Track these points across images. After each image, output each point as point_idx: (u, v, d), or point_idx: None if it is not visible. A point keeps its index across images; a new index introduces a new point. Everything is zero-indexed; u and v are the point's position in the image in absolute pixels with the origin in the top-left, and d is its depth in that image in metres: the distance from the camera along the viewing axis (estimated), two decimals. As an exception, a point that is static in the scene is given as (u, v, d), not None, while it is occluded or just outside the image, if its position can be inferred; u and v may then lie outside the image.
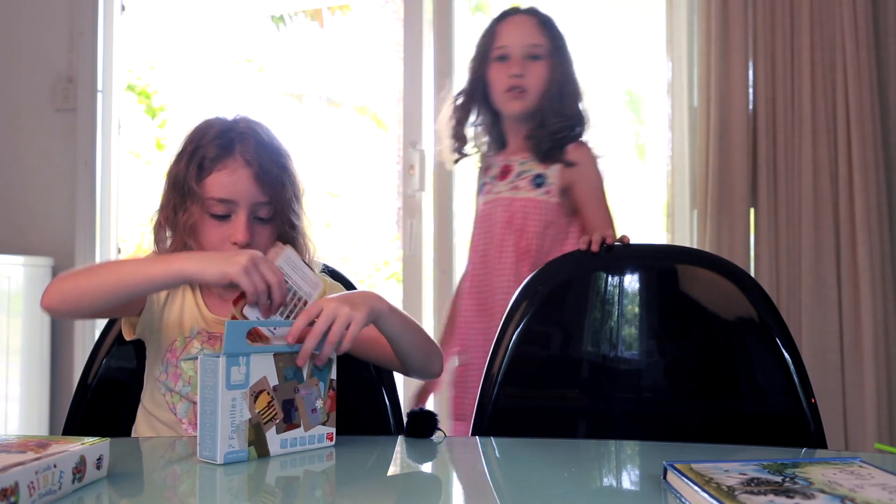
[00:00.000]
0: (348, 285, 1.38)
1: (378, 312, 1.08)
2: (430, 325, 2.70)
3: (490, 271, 1.74)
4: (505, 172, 1.77)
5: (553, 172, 1.71)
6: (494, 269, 1.73)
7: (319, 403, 1.03)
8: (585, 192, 1.72)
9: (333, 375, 1.05)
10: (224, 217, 1.17)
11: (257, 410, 0.97)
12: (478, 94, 1.79)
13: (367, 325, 1.06)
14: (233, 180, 1.16)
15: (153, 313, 1.22)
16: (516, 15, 1.80)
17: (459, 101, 1.82)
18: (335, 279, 1.35)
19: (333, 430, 1.05)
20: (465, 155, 1.86)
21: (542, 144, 1.72)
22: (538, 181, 1.72)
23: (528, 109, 1.74)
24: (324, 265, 1.32)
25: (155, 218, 1.24)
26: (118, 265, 1.11)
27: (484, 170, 1.84)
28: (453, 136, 1.84)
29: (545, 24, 1.77)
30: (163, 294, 1.22)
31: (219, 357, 0.94)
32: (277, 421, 0.99)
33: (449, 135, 1.85)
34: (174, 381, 1.20)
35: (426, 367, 1.23)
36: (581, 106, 1.77)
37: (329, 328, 1.00)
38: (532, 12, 1.80)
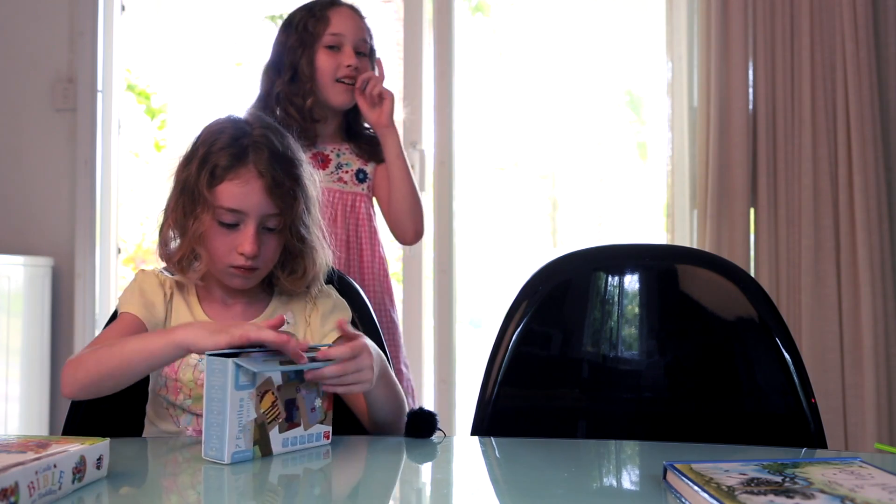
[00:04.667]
0: (354, 292, 1.38)
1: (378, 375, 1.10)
2: (429, 324, 2.71)
3: None
4: (322, 161, 1.72)
5: (371, 169, 1.77)
6: None
7: (318, 402, 1.04)
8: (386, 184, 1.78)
9: None
10: (232, 225, 1.16)
11: (262, 410, 0.98)
12: (314, 80, 1.72)
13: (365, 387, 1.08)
14: (244, 191, 1.15)
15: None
16: (345, 7, 1.76)
17: (306, 91, 1.72)
18: (343, 286, 1.34)
19: (330, 428, 1.06)
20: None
21: (367, 143, 1.77)
22: (361, 176, 1.76)
23: (353, 103, 1.73)
24: (332, 269, 1.32)
25: (161, 219, 1.23)
26: (122, 347, 1.09)
27: None
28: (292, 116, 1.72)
29: (367, 24, 1.78)
30: (162, 313, 1.21)
31: (228, 358, 0.95)
32: (280, 420, 1.00)
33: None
34: (175, 394, 1.20)
35: (391, 431, 1.22)
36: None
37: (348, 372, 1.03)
38: (356, 8, 1.78)
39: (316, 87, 1.71)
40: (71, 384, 1.09)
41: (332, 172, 1.73)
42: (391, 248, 1.98)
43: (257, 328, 1.00)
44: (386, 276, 1.79)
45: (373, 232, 1.78)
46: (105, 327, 1.31)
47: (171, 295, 1.23)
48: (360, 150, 1.77)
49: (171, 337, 1.04)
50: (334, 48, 1.71)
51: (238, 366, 0.95)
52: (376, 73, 1.74)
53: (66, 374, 1.10)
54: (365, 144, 1.77)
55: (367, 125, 1.78)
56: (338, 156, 1.75)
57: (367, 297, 1.71)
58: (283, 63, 1.73)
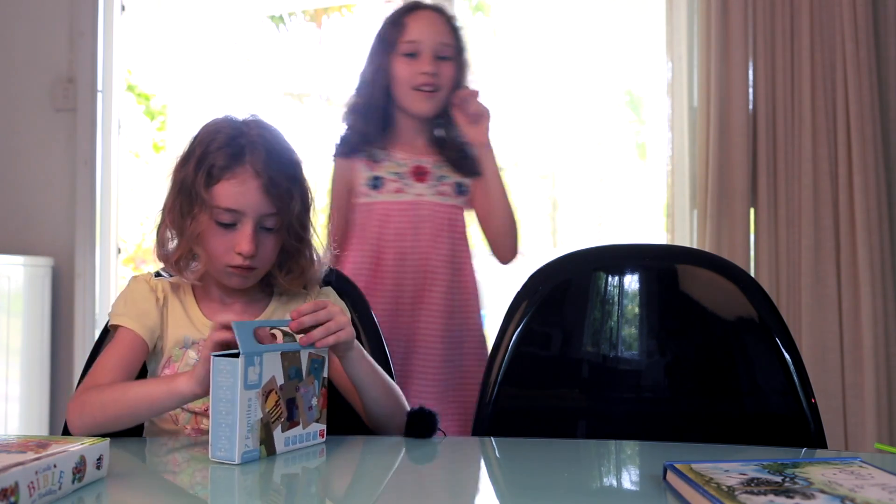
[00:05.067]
0: (353, 291, 1.38)
1: (355, 346, 1.11)
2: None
3: (421, 276, 1.67)
4: (421, 174, 1.70)
5: (468, 182, 1.72)
6: (427, 275, 1.67)
7: (314, 401, 1.05)
8: (485, 199, 1.73)
9: (326, 374, 1.08)
10: (230, 225, 1.16)
11: (267, 410, 0.98)
12: (378, 87, 1.69)
13: (348, 344, 1.09)
14: (241, 191, 1.15)
15: (156, 341, 1.22)
16: (426, 10, 1.71)
17: (362, 94, 1.72)
18: (343, 286, 1.34)
19: (325, 426, 1.07)
20: (356, 151, 1.72)
21: (462, 155, 1.71)
22: (459, 189, 1.71)
23: (438, 111, 1.69)
24: (329, 268, 1.32)
25: (159, 219, 1.23)
26: (125, 393, 1.10)
27: (371, 163, 1.71)
28: (356, 129, 1.71)
29: (452, 25, 1.72)
30: (156, 319, 1.21)
31: (237, 357, 0.95)
32: (282, 419, 1.00)
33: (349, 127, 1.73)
34: None
35: (390, 424, 1.20)
36: None
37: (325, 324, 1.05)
38: (440, 10, 1.73)
39: (392, 93, 1.68)
40: (78, 426, 1.10)
41: (432, 185, 1.69)
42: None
43: (213, 335, 1.01)
44: (479, 293, 1.75)
45: (469, 247, 1.73)
46: (98, 338, 1.31)
47: (165, 299, 1.23)
48: (454, 162, 1.72)
49: (173, 387, 1.06)
50: (412, 55, 1.67)
51: (248, 361, 0.95)
52: (470, 87, 1.68)
53: (71, 416, 1.11)
54: (458, 157, 1.72)
55: (456, 137, 1.73)
56: (437, 168, 1.71)
57: (467, 315, 1.69)
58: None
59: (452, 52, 1.69)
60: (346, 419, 1.19)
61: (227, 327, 1.00)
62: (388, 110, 1.71)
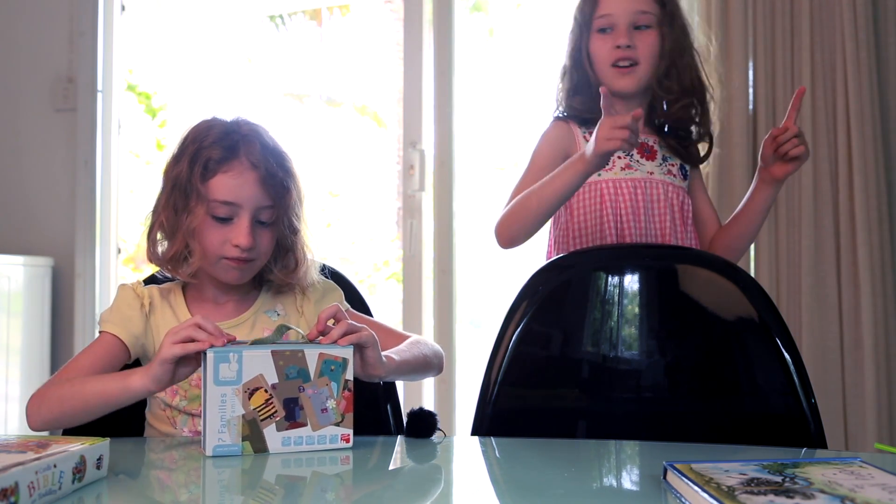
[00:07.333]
0: (349, 286, 1.38)
1: (389, 369, 1.10)
2: (429, 324, 2.70)
3: None
4: (648, 151, 1.62)
5: (689, 167, 1.66)
6: None
7: (331, 404, 1.03)
8: (700, 185, 1.71)
9: (349, 376, 1.04)
10: (226, 220, 1.17)
11: (253, 407, 0.98)
12: (580, 67, 1.60)
13: (378, 360, 1.07)
14: (238, 183, 1.15)
15: (142, 347, 1.21)
16: None
17: (563, 76, 1.65)
18: (337, 282, 1.35)
19: (349, 431, 1.04)
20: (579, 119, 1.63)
21: (677, 142, 1.64)
22: (684, 172, 1.65)
23: (641, 86, 1.60)
24: (323, 265, 1.32)
25: (149, 221, 1.22)
26: (82, 387, 1.08)
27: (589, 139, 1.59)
28: (564, 108, 1.65)
29: None
30: (140, 327, 1.20)
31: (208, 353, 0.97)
32: (278, 418, 0.99)
33: (562, 104, 1.65)
34: (171, 396, 1.20)
35: (429, 370, 1.27)
36: (701, 78, 1.64)
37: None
38: None
39: (596, 73, 1.59)
40: (35, 419, 1.10)
41: (660, 164, 1.62)
42: (391, 249, 1.96)
43: (169, 345, 1.00)
44: None
45: (696, 235, 1.66)
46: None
47: (152, 306, 1.22)
48: (672, 146, 1.64)
49: (126, 383, 1.05)
50: (605, 30, 1.58)
51: (218, 358, 0.96)
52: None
53: (30, 408, 1.11)
54: (675, 142, 1.64)
55: (672, 121, 1.65)
56: (660, 147, 1.64)
57: None
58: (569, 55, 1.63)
59: (653, 21, 1.58)
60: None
61: (185, 340, 0.99)
62: (596, 89, 1.55)
